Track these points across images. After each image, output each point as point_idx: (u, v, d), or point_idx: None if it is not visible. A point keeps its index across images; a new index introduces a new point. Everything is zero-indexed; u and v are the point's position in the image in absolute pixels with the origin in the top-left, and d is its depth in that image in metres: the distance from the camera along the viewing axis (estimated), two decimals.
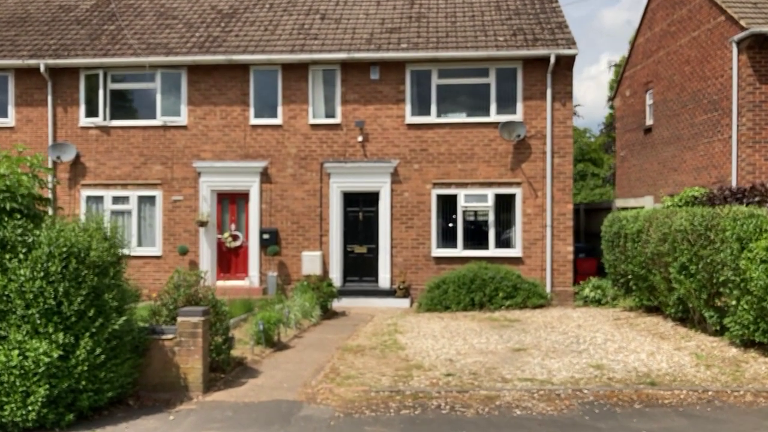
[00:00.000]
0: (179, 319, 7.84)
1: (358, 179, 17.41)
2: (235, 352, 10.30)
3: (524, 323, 13.24)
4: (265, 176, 17.73)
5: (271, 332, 11.11)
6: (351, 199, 17.67)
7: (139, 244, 18.17)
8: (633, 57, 23.09)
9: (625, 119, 23.74)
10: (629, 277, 13.75)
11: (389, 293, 17.07)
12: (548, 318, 13.83)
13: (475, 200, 17.16)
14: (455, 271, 15.55)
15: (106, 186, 18.18)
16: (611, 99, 25.33)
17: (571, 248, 17.08)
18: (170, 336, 7.99)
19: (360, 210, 17.68)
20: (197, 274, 8.64)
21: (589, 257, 18.83)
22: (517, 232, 17.15)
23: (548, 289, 16.48)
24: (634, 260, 13.26)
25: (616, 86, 24.90)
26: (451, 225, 17.47)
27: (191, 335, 7.85)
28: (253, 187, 17.76)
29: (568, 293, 16.74)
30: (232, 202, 18.14)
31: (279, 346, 11.28)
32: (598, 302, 15.16)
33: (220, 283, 18.00)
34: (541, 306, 15.17)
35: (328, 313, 15.18)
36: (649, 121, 21.89)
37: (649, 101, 21.89)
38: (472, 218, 17.47)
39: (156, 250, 18.07)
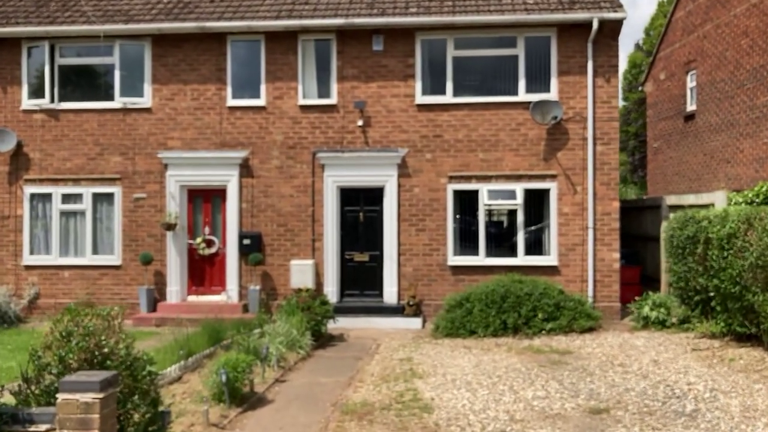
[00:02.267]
0: (59, 397, 4.32)
1: (358, 172, 13.86)
2: (183, 421, 6.76)
3: (579, 357, 9.71)
4: (246, 169, 14.17)
5: (239, 382, 7.55)
6: (350, 197, 14.12)
7: (95, 251, 14.56)
8: (669, 34, 19.59)
9: (659, 106, 20.22)
10: (711, 294, 10.24)
11: (396, 311, 13.53)
12: (607, 348, 10.29)
13: (501, 197, 13.63)
14: (480, 286, 12.00)
15: (55, 181, 14.57)
16: (641, 84, 21.81)
17: (617, 255, 13.57)
18: (43, 428, 4.46)
19: (360, 209, 14.13)
20: (106, 313, 5.11)
21: (629, 265, 15.31)
22: (552, 236, 13.63)
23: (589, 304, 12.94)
24: (722, 273, 9.76)
25: (647, 69, 21.41)
26: (471, 227, 13.94)
27: (81, 424, 4.34)
28: (231, 182, 14.19)
29: (613, 310, 13.23)
30: (205, 200, 14.56)
31: (251, 402, 7.69)
32: (661, 324, 11.64)
33: (192, 298, 14.41)
34: (590, 329, 11.64)
35: (322, 340, 11.62)
36: (690, 107, 18.42)
37: (690, 83, 18.41)
38: (496, 219, 13.94)
39: (114, 259, 14.47)
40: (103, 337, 4.97)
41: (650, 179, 21.04)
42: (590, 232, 13.44)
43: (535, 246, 13.82)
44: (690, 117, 18.41)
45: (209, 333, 10.20)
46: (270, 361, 9.06)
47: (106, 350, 4.92)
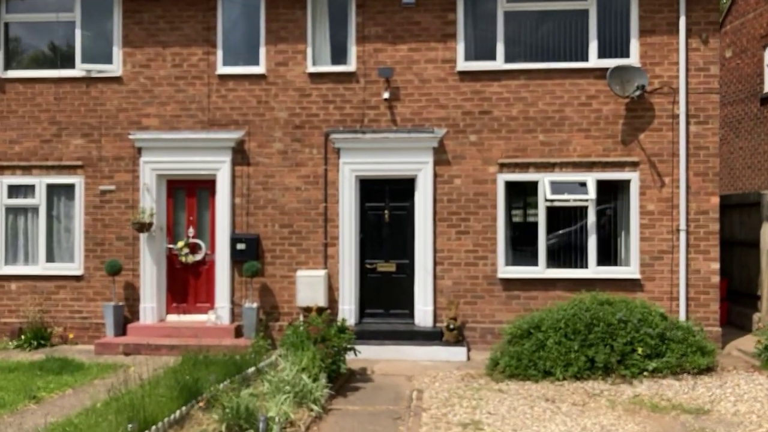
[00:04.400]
0: None
1: (382, 159, 10.58)
2: None
3: (725, 422, 6.42)
4: (241, 154, 10.89)
5: None
6: (372, 190, 10.85)
7: (50, 258, 11.25)
8: (740, 4, 16.31)
9: (724, 88, 16.91)
10: None
11: (432, 336, 10.24)
12: (754, 404, 7.01)
13: (567, 190, 10.35)
14: (554, 309, 8.69)
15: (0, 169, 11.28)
16: None
17: (716, 266, 10.29)
18: None
19: (386, 206, 10.85)
20: None
21: None
22: (633, 241, 10.35)
23: None
24: None
25: None
26: (528, 230, 10.67)
27: None
28: (222, 170, 10.90)
29: (712, 336, 9.93)
30: (189, 194, 11.26)
31: None
32: None
33: (172, 318, 11.10)
34: (708, 370, 8.34)
35: (340, 380, 8.33)
36: None
37: None
38: (560, 219, 10.65)
39: (74, 268, 11.16)
40: None
41: None
42: (682, 235, 10.17)
43: (610, 254, 10.54)
44: (767, 100, 15.17)
45: (180, 376, 6.87)
46: None
47: None
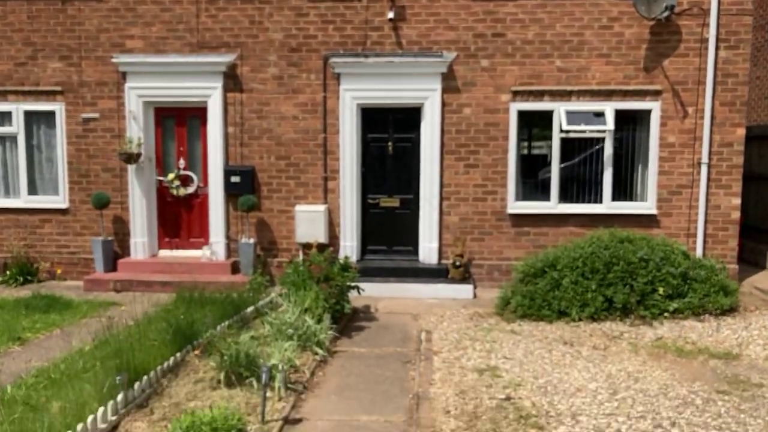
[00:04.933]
0: None
1: (386, 86, 9.79)
2: None
3: (757, 368, 6.00)
4: (233, 80, 10.06)
5: None
6: (375, 120, 10.11)
7: (32, 190, 10.56)
8: None
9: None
10: None
11: (437, 273, 9.75)
12: None
13: (584, 121, 9.66)
14: (570, 247, 8.15)
15: None
16: None
17: (737, 201, 9.74)
18: None
19: (389, 138, 10.14)
20: None
21: None
22: (651, 175, 9.75)
23: None
24: None
25: None
26: (540, 163, 10.04)
27: None
28: (213, 97, 10.09)
29: (730, 274, 9.43)
30: (179, 122, 10.49)
31: None
32: None
33: (165, 253, 10.53)
34: (730, 310, 7.90)
35: (344, 321, 7.86)
36: None
37: None
38: (576, 151, 10.00)
39: (59, 201, 10.50)
40: None
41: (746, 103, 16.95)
42: (703, 169, 9.57)
43: (626, 189, 9.95)
44: None
45: (175, 322, 6.33)
46: (276, 384, 5.25)
47: None
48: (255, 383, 5.24)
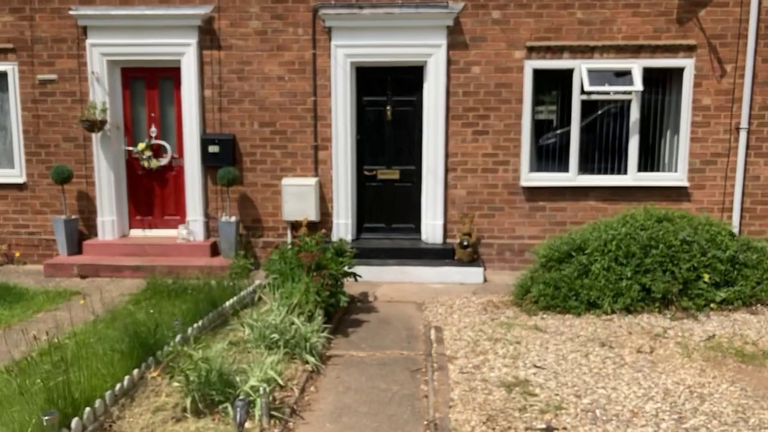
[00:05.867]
0: None
1: (384, 41, 8.47)
2: None
3: None
4: (209, 35, 8.70)
5: None
6: (371, 81, 8.82)
7: None
8: None
9: None
10: None
11: (442, 254, 8.59)
12: None
13: (609, 81, 8.42)
14: (600, 227, 6.97)
15: None
16: None
17: None
18: None
19: (388, 101, 8.86)
20: None
21: None
22: (682, 142, 8.57)
23: None
24: None
25: None
26: (558, 130, 8.82)
27: None
28: (187, 56, 8.74)
29: None
30: (150, 85, 9.15)
31: None
32: None
33: (137, 233, 9.30)
34: None
35: (339, 314, 6.72)
36: None
37: None
38: (598, 116, 8.78)
39: (15, 174, 9.20)
40: None
41: None
42: (742, 135, 8.40)
43: (654, 158, 8.78)
44: None
45: (135, 328, 5.12)
46: (256, 412, 4.09)
47: None
48: (230, 409, 4.08)
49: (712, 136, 8.47)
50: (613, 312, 6.44)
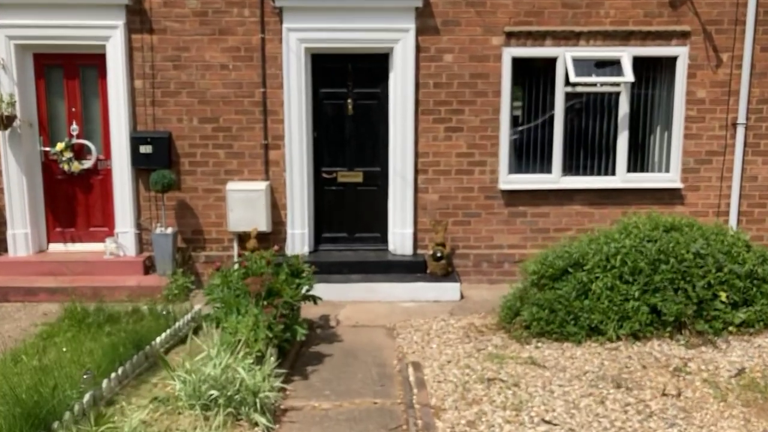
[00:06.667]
0: None
1: (344, 24, 7.29)
2: None
3: None
4: (139, 16, 7.34)
5: None
6: (330, 70, 7.61)
7: None
8: None
9: None
10: None
11: (413, 268, 7.49)
12: None
13: (596, 71, 7.45)
14: (599, 238, 5.95)
15: None
16: None
17: None
18: None
19: (349, 94, 7.67)
20: None
21: None
22: (675, 140, 7.68)
23: None
24: None
25: None
26: (540, 126, 7.79)
27: None
28: (113, 40, 7.36)
29: None
30: (69, 75, 7.72)
31: None
32: None
33: (58, 247, 7.88)
34: None
35: (295, 347, 5.53)
36: None
37: None
38: (582, 110, 7.80)
39: None
40: None
41: None
42: (739, 131, 7.56)
43: (643, 157, 7.87)
44: None
45: (25, 396, 3.83)
46: None
47: None
48: None
49: (707, 132, 7.61)
50: (618, 338, 5.46)
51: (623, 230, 5.84)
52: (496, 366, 5.04)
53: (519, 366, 5.04)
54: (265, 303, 4.99)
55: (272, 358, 4.70)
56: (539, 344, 5.53)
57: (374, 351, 5.66)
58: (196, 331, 5.51)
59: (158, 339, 5.25)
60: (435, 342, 5.76)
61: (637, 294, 5.47)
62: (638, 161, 7.80)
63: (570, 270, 5.70)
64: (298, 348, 5.61)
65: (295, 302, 5.34)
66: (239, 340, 4.68)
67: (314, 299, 5.88)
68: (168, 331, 5.50)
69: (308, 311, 6.32)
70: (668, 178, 7.69)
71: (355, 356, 5.53)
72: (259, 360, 4.62)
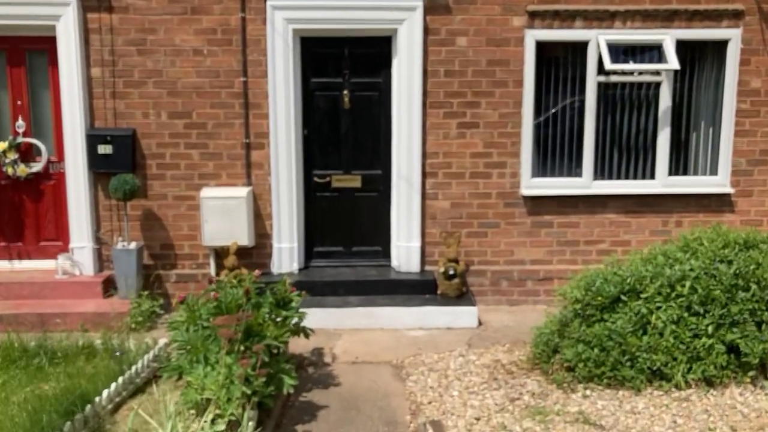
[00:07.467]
0: None
1: (338, 2, 6.11)
2: None
3: None
4: None
5: None
6: (323, 57, 6.42)
7: None
8: None
9: None
10: None
11: (421, 288, 6.31)
12: None
13: (633, 57, 6.32)
14: (658, 258, 4.80)
15: None
16: None
17: None
18: None
19: (345, 84, 6.47)
20: None
21: None
22: (724, 138, 6.55)
23: None
24: None
25: None
26: (567, 122, 6.63)
27: None
28: (65, 20, 6.13)
29: None
30: (13, 61, 6.47)
31: None
32: None
33: (1, 265, 6.63)
34: None
35: (280, 400, 4.33)
36: None
37: None
38: (618, 103, 6.64)
39: None
40: None
41: None
42: None
43: (686, 158, 6.73)
44: None
45: None
46: None
47: None
48: None
49: (761, 128, 6.51)
50: (687, 384, 4.30)
51: (686, 247, 4.68)
52: (540, 427, 3.87)
53: (569, 426, 3.87)
54: (243, 348, 3.78)
55: (251, 424, 3.51)
56: (588, 392, 4.38)
57: (380, 400, 4.50)
58: (160, 374, 4.32)
59: (105, 393, 4.03)
60: (456, 387, 4.61)
61: (710, 329, 4.32)
62: (680, 163, 6.68)
63: (623, 298, 4.53)
64: (285, 399, 4.42)
65: (280, 343, 4.14)
66: (208, 399, 3.49)
67: (305, 333, 4.70)
68: (121, 379, 4.30)
69: (297, 344, 5.16)
70: (716, 182, 6.58)
71: (357, 408, 4.37)
72: (234, 427, 3.43)
